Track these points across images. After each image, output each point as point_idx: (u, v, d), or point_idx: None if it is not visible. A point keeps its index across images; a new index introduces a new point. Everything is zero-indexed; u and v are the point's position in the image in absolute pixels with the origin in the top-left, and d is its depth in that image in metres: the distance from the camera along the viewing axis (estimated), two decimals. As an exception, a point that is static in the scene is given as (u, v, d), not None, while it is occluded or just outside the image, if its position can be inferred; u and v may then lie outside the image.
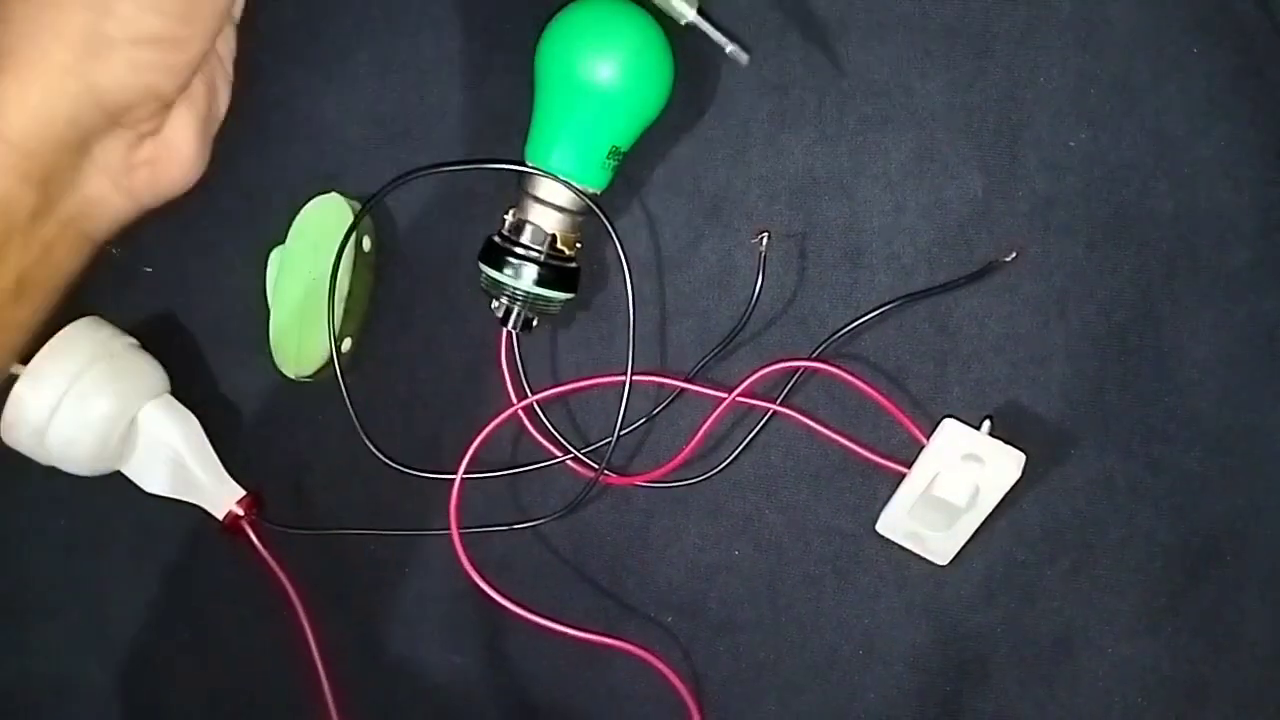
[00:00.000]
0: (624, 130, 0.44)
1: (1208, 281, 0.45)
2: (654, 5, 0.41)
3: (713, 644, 0.49)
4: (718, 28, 0.41)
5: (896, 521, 0.46)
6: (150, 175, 0.33)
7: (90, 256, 0.33)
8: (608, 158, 0.44)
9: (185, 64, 0.32)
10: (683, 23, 0.41)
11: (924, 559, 0.47)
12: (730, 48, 0.41)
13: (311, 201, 0.49)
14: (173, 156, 0.34)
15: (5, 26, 0.29)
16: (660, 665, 0.48)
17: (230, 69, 0.37)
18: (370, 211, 0.48)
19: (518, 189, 0.45)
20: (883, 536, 0.47)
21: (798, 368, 0.47)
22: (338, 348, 0.48)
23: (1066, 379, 0.46)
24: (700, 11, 0.41)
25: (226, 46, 0.36)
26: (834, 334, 0.47)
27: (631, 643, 0.48)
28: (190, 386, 0.50)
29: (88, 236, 0.33)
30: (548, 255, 0.45)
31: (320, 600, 0.50)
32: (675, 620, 0.49)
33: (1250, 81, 0.45)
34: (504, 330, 0.47)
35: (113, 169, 0.32)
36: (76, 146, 0.30)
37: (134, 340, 0.49)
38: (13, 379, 0.45)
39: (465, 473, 0.48)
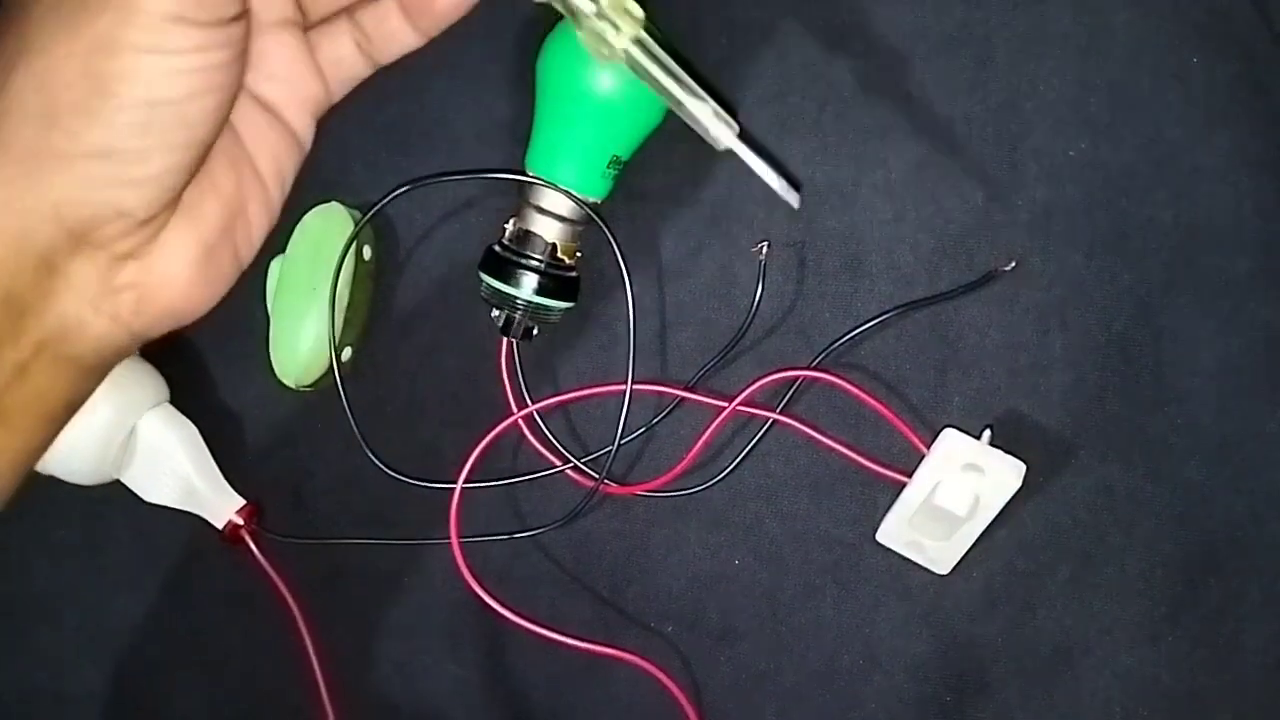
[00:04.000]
0: (624, 139, 0.44)
1: (1208, 290, 0.45)
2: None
3: (713, 654, 0.49)
4: (765, 157, 0.32)
5: (897, 531, 0.46)
6: (136, 301, 0.30)
7: (88, 382, 0.31)
8: (608, 167, 0.44)
9: (151, 179, 0.28)
10: (719, 149, 0.31)
11: (924, 568, 0.47)
12: (777, 183, 0.32)
13: (311, 210, 0.49)
14: (162, 282, 0.30)
15: None
16: (660, 675, 0.48)
17: (275, 192, 0.33)
18: (371, 220, 0.48)
19: (518, 198, 0.45)
20: (883, 546, 0.47)
21: (798, 377, 0.47)
22: (338, 357, 0.48)
23: (1067, 388, 0.46)
24: (742, 136, 0.31)
25: (274, 166, 0.32)
26: (834, 343, 0.47)
27: (631, 652, 0.48)
28: (190, 396, 0.50)
29: (72, 361, 0.30)
30: (548, 264, 0.45)
31: (320, 610, 0.50)
32: (675, 630, 0.49)
33: (1250, 90, 0.45)
34: (504, 339, 0.47)
35: (89, 291, 0.29)
36: (36, 264, 0.28)
37: (134, 349, 0.49)
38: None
39: (465, 482, 0.48)
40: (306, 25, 0.33)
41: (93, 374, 0.31)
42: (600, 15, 0.31)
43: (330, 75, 0.33)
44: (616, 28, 0.31)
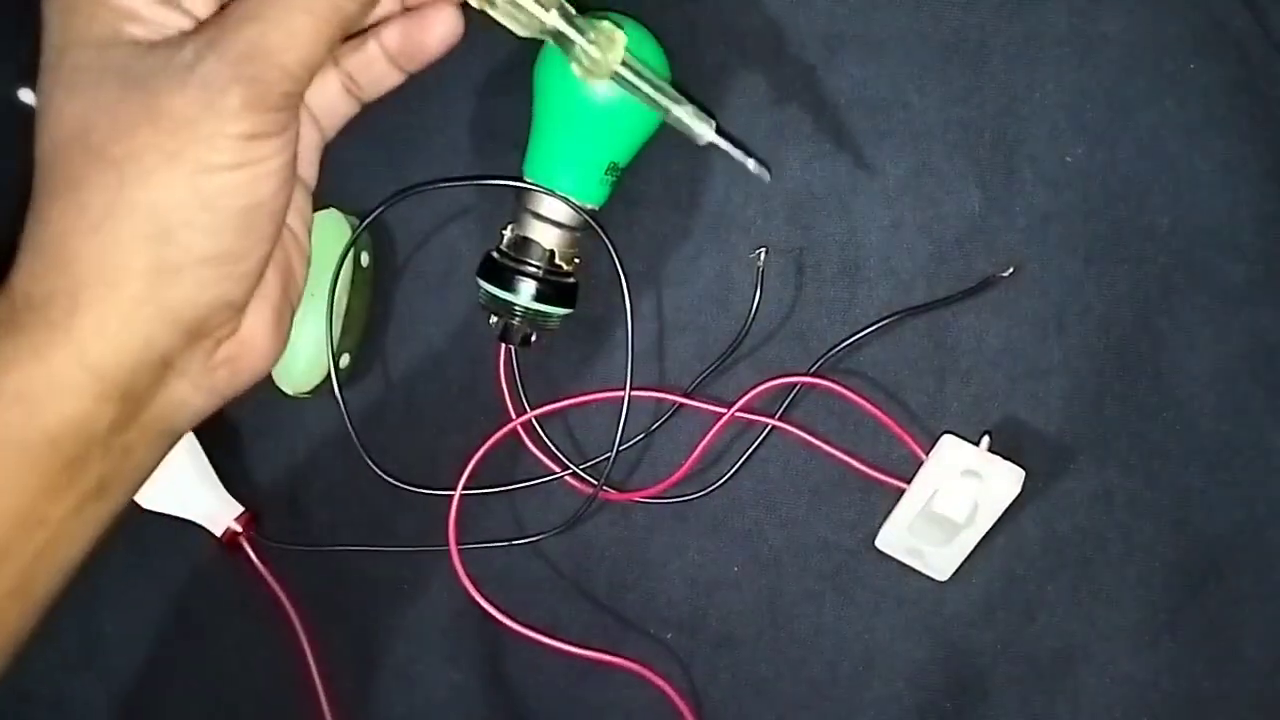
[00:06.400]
0: (622, 146, 0.44)
1: (1205, 296, 0.45)
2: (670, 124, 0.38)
3: (712, 660, 0.49)
4: (738, 145, 0.38)
5: (896, 537, 0.46)
6: (230, 372, 0.34)
7: (172, 445, 0.34)
8: (606, 174, 0.44)
9: (252, 271, 0.32)
10: (701, 144, 0.37)
11: (923, 575, 0.47)
12: (752, 165, 0.38)
13: (310, 217, 0.49)
14: (250, 352, 0.34)
15: (75, 266, 0.30)
16: (659, 682, 0.48)
17: (306, 241, 0.37)
18: (369, 227, 0.48)
19: (516, 205, 0.45)
20: (882, 552, 0.47)
21: (796, 383, 0.47)
22: (336, 364, 0.48)
23: (1065, 394, 0.46)
24: (719, 130, 0.38)
25: (300, 219, 0.36)
26: (832, 349, 0.47)
27: (631, 659, 0.48)
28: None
29: (168, 433, 0.34)
30: (546, 271, 0.45)
31: (319, 617, 0.50)
32: (674, 636, 0.49)
33: (1247, 96, 0.45)
34: (502, 346, 0.47)
35: (193, 374, 0.33)
36: (157, 363, 0.31)
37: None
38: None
39: (464, 489, 0.48)
40: None
41: (178, 438, 0.34)
42: (591, 43, 0.35)
43: (324, 120, 0.36)
44: (605, 54, 0.35)
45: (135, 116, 0.30)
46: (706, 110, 0.37)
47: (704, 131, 0.37)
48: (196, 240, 0.30)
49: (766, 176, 0.39)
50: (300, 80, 0.31)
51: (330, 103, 0.36)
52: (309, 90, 0.34)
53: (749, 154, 0.38)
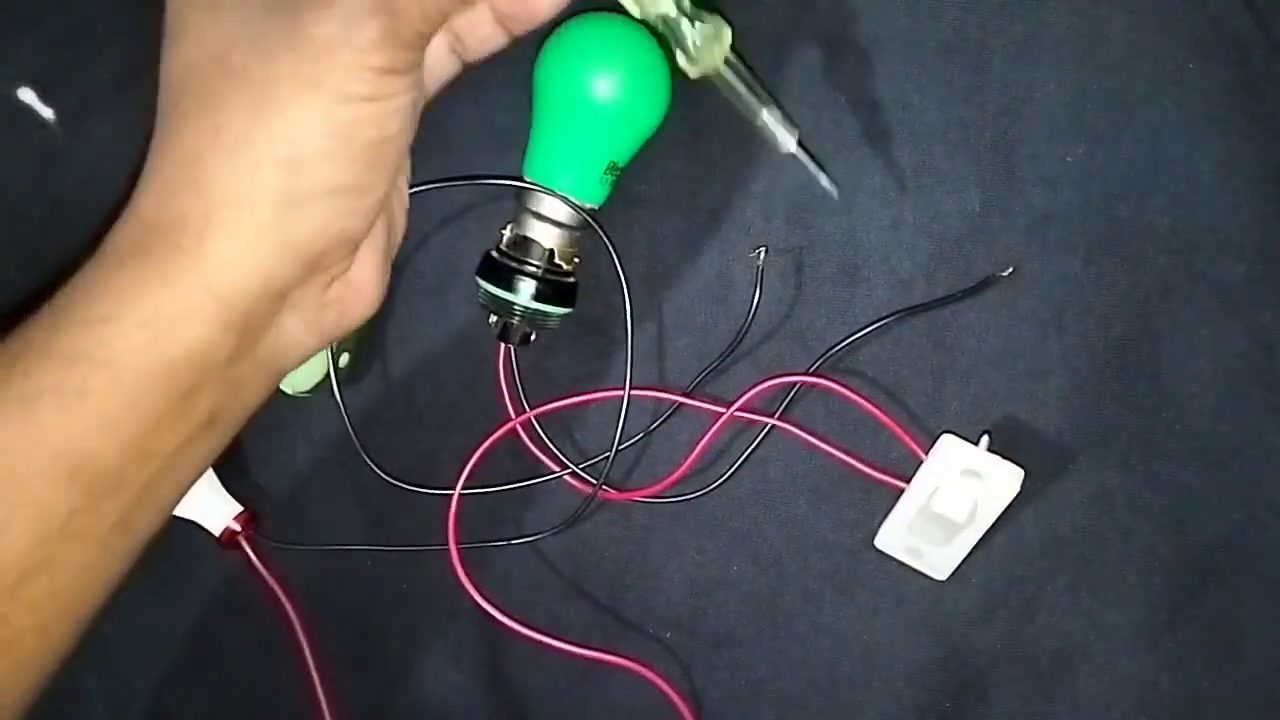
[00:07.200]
0: (622, 146, 0.44)
1: (1205, 296, 0.45)
2: (754, 126, 0.38)
3: (711, 660, 0.49)
4: (815, 160, 0.38)
5: (895, 537, 0.46)
6: (338, 313, 0.35)
7: (273, 390, 0.35)
8: (606, 173, 0.44)
9: (373, 206, 0.33)
10: (781, 152, 0.38)
11: (923, 574, 0.47)
12: (825, 180, 0.39)
13: (310, 217, 0.49)
14: (357, 294, 0.35)
15: (208, 189, 0.30)
16: (659, 681, 0.48)
17: (406, 193, 0.38)
18: (368, 227, 0.48)
19: (516, 204, 0.45)
20: (881, 552, 0.47)
21: (795, 382, 0.47)
22: (336, 363, 0.48)
23: (1064, 394, 0.46)
24: (800, 143, 0.38)
25: (403, 174, 0.36)
26: (832, 348, 0.47)
27: (630, 659, 0.48)
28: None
29: (277, 373, 0.34)
30: (546, 270, 0.45)
31: (318, 617, 0.50)
32: (674, 636, 0.49)
33: (1247, 97, 0.45)
34: (502, 345, 0.47)
35: (305, 311, 0.33)
36: (276, 294, 0.32)
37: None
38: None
39: (463, 488, 0.48)
40: None
41: (283, 377, 0.35)
42: (697, 41, 0.35)
43: (427, 77, 0.35)
44: (712, 47, 0.35)
45: (277, 40, 0.30)
46: (791, 120, 0.37)
47: (787, 141, 0.37)
48: (328, 170, 0.31)
49: (835, 194, 0.39)
50: (434, 21, 0.31)
51: (436, 60, 0.36)
52: None
53: (824, 170, 0.38)
